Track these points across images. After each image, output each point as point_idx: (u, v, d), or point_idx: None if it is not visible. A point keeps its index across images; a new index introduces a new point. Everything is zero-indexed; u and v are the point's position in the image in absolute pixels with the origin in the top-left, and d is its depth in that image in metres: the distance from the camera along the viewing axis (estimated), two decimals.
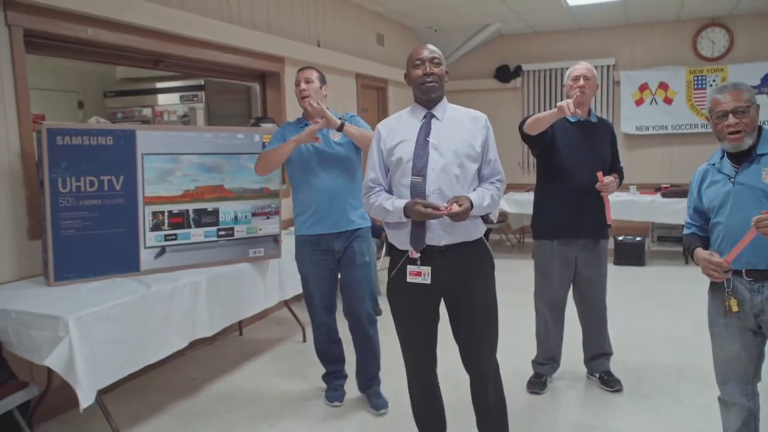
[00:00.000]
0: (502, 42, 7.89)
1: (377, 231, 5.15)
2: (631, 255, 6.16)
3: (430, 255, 2.13)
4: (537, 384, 3.17)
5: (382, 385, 3.08)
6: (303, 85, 2.89)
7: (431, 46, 2.22)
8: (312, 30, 5.26)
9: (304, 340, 4.06)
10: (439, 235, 2.11)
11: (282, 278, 3.58)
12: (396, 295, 2.24)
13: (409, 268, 2.14)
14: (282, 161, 2.90)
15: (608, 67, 7.41)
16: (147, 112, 5.37)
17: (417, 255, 2.12)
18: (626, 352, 3.55)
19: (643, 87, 7.26)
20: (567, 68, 3.08)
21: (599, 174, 2.93)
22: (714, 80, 6.99)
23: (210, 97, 5.07)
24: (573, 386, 3.23)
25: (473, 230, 2.18)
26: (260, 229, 3.34)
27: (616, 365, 3.27)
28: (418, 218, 2.05)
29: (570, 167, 2.95)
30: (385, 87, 6.65)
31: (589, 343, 3.22)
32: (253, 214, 3.31)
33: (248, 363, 3.74)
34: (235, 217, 3.25)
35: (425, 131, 2.16)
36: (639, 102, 7.31)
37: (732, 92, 2.00)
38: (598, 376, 3.21)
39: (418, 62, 2.17)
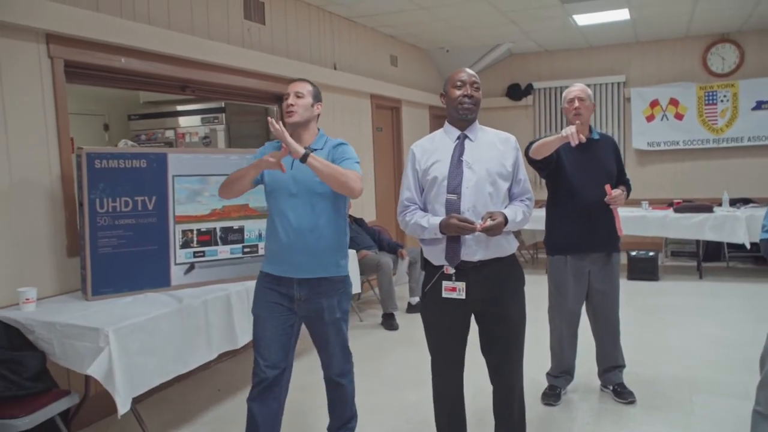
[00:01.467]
0: (512, 61, 8.05)
1: (393, 247, 5.29)
2: (645, 270, 6.22)
3: (464, 270, 2.20)
4: (552, 396, 3.25)
5: (402, 397, 3.13)
6: (291, 100, 2.41)
7: (470, 70, 2.30)
8: (328, 53, 5.46)
9: None
10: (473, 250, 2.18)
11: None
12: (430, 309, 2.32)
13: (445, 283, 2.21)
14: (244, 186, 2.45)
15: (619, 84, 7.54)
16: (170, 134, 5.59)
17: (452, 271, 2.20)
18: (639, 365, 3.61)
19: (654, 103, 7.37)
20: None
21: (607, 187, 3.01)
22: (725, 96, 7.07)
23: (230, 118, 5.28)
24: (587, 398, 3.30)
25: (506, 246, 2.26)
26: None
27: (629, 377, 3.33)
28: (453, 233, 2.13)
29: (578, 185, 3.04)
30: (399, 107, 6.82)
31: (602, 356, 3.29)
32: None
33: None
34: (260, 235, 3.40)
35: (459, 151, 2.25)
36: (650, 118, 7.41)
37: None
38: (611, 388, 3.28)
39: (459, 83, 2.25)
